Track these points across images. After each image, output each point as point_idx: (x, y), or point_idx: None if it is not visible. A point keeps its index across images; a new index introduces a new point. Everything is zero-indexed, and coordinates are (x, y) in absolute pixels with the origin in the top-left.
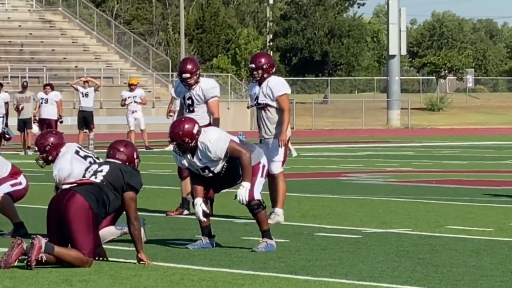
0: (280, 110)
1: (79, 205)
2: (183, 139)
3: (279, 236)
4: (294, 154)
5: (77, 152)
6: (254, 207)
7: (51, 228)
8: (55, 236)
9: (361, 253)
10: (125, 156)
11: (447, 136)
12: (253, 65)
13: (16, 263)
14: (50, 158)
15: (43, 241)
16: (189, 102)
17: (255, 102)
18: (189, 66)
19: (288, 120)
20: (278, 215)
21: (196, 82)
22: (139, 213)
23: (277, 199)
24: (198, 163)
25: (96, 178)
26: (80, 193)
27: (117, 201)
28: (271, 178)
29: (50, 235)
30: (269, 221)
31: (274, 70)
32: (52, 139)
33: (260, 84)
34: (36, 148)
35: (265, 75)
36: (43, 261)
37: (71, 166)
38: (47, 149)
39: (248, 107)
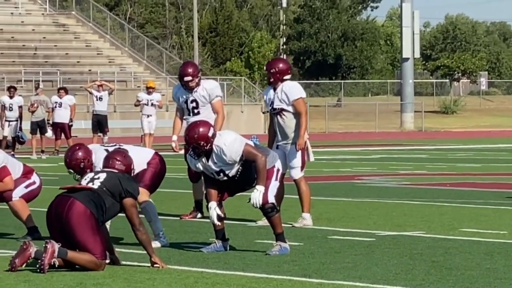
0: (296, 115)
1: (80, 212)
2: (198, 142)
3: (293, 239)
4: (312, 159)
5: (106, 150)
6: (268, 210)
7: (54, 234)
8: (59, 242)
9: (375, 256)
10: (124, 166)
11: (461, 139)
12: (269, 70)
13: (23, 267)
14: (87, 171)
15: (57, 245)
16: (193, 104)
17: (270, 108)
18: (190, 70)
19: (306, 124)
20: (305, 219)
21: (198, 84)
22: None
23: (302, 204)
24: (213, 167)
25: (93, 184)
26: (80, 199)
27: (114, 207)
28: (295, 184)
29: (54, 240)
30: (295, 224)
31: (289, 75)
32: (80, 154)
33: (275, 89)
34: (71, 170)
35: (280, 80)
36: (56, 266)
37: None
38: (82, 166)
39: (263, 113)
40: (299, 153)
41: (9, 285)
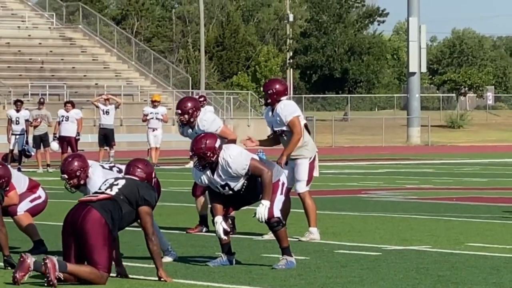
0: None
1: (95, 220)
2: (205, 152)
3: (299, 253)
4: (316, 174)
5: (102, 166)
6: (273, 224)
7: (66, 243)
8: (70, 250)
9: (381, 270)
10: (144, 174)
11: (467, 153)
12: (265, 91)
13: (26, 279)
14: (81, 182)
15: (55, 259)
16: None
17: (272, 130)
18: (182, 104)
19: (296, 142)
20: (312, 233)
21: (190, 121)
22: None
23: (308, 218)
24: (218, 180)
25: (111, 191)
26: (96, 208)
27: (131, 215)
28: (300, 198)
29: (66, 249)
30: (302, 239)
31: (285, 95)
32: (78, 163)
33: (273, 110)
34: (66, 176)
35: (276, 101)
36: (62, 279)
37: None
38: (77, 174)
39: (268, 136)
40: (306, 167)
41: None
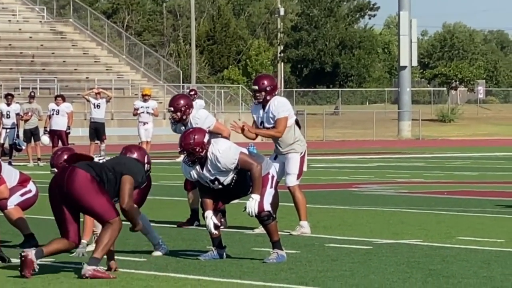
0: (290, 128)
1: (81, 177)
2: (194, 148)
3: (290, 247)
4: (304, 169)
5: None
6: (264, 218)
7: (59, 217)
8: (66, 223)
9: (372, 264)
10: (135, 154)
11: (458, 147)
12: (256, 87)
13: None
14: None
15: (31, 253)
16: None
17: (261, 127)
18: (175, 102)
19: (272, 135)
20: (302, 227)
21: (182, 119)
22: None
23: (299, 212)
24: (207, 175)
25: (98, 161)
26: (80, 167)
27: (115, 184)
28: (290, 192)
29: (62, 225)
30: (293, 233)
31: (277, 92)
32: (66, 156)
33: (264, 107)
34: (55, 170)
35: (268, 97)
36: (37, 270)
37: None
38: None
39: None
40: (297, 161)
41: None
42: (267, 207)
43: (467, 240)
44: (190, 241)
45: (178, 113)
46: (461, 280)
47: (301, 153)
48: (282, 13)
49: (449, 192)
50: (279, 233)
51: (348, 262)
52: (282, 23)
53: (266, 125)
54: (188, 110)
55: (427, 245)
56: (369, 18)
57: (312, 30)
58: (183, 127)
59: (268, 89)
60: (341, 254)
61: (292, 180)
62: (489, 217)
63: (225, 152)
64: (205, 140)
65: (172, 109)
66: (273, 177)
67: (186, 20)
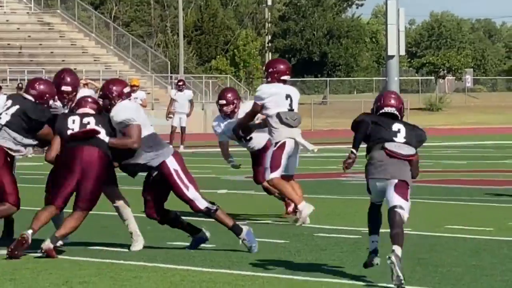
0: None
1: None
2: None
3: (279, 236)
4: (311, 147)
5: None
6: (208, 213)
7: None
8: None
9: (361, 254)
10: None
11: (447, 136)
12: (224, 101)
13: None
14: None
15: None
16: None
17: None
18: (226, 95)
19: (244, 120)
20: (302, 211)
21: (233, 112)
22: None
23: (292, 200)
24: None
25: None
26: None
27: None
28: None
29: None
30: (297, 223)
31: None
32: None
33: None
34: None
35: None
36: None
37: None
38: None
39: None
40: (269, 154)
41: None
42: (202, 204)
43: (455, 228)
44: (179, 231)
45: (231, 106)
46: (450, 269)
47: (276, 144)
48: (269, 3)
49: (437, 181)
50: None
51: (337, 252)
52: (269, 13)
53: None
54: (238, 103)
55: (415, 234)
56: (357, 8)
57: (300, 19)
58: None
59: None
60: (330, 244)
61: (267, 174)
62: (477, 205)
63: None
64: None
65: (224, 102)
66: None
67: (173, 11)
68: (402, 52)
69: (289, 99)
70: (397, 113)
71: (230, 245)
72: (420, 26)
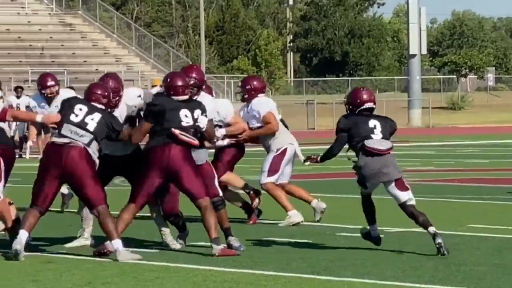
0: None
1: None
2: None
3: (302, 236)
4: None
5: None
6: (217, 203)
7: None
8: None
9: (383, 253)
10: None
11: (469, 135)
12: (243, 86)
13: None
14: None
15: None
16: None
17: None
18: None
19: (267, 132)
20: (290, 217)
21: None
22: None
23: (282, 206)
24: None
25: None
26: None
27: None
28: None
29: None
30: (280, 224)
31: (262, 93)
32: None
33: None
34: None
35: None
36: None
37: None
38: None
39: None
40: (269, 158)
41: (18, 285)
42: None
43: (478, 227)
44: (202, 232)
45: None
46: (472, 268)
47: (278, 150)
48: (291, 2)
49: (459, 180)
50: None
51: (359, 251)
52: (291, 13)
53: (250, 125)
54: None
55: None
56: (378, 7)
57: (321, 19)
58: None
59: (252, 88)
60: (352, 243)
61: (262, 178)
62: (500, 204)
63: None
64: None
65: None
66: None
67: (195, 11)
68: (424, 51)
69: None
70: (374, 106)
71: (252, 245)
72: (442, 25)
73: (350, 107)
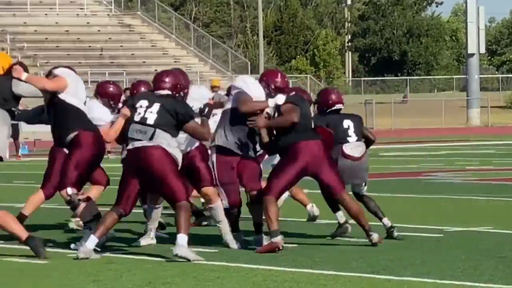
0: None
1: None
2: None
3: (361, 235)
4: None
5: None
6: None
7: None
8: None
9: (443, 252)
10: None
11: None
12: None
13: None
14: None
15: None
16: None
17: None
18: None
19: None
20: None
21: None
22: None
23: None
24: None
25: None
26: None
27: None
28: None
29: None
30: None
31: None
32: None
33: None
34: None
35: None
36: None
37: None
38: None
39: None
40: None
41: (78, 285)
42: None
43: None
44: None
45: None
46: None
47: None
48: (349, 2)
49: None
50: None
51: (419, 250)
52: (349, 13)
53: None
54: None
55: (497, 232)
56: (436, 6)
57: (379, 19)
58: None
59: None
60: (412, 243)
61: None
62: None
63: None
64: None
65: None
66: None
67: (253, 11)
68: (482, 50)
69: None
70: (342, 107)
71: (312, 245)
72: (500, 23)
73: (321, 107)
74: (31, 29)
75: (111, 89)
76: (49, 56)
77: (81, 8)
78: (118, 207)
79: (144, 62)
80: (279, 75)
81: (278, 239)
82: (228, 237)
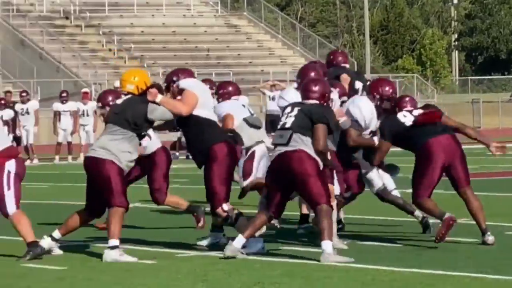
0: None
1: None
2: None
3: (467, 235)
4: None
5: None
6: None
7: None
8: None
9: None
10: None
11: None
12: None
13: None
14: None
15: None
16: None
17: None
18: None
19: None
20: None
21: None
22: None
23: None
24: None
25: None
26: None
27: None
28: None
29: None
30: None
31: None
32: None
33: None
34: None
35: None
36: None
37: None
38: None
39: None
40: (240, 164)
41: (187, 285)
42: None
43: None
44: (369, 231)
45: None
46: None
47: (246, 154)
48: (455, 1)
49: None
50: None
51: None
52: (455, 11)
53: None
54: None
55: None
56: None
57: (486, 17)
58: None
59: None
60: None
61: (241, 184)
62: None
63: None
64: None
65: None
66: None
67: (359, 11)
68: None
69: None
70: None
71: (420, 245)
72: None
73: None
74: (138, 30)
75: (230, 88)
76: (156, 57)
77: (188, 9)
78: (268, 211)
79: (250, 62)
80: (386, 83)
81: (448, 214)
82: (335, 239)
